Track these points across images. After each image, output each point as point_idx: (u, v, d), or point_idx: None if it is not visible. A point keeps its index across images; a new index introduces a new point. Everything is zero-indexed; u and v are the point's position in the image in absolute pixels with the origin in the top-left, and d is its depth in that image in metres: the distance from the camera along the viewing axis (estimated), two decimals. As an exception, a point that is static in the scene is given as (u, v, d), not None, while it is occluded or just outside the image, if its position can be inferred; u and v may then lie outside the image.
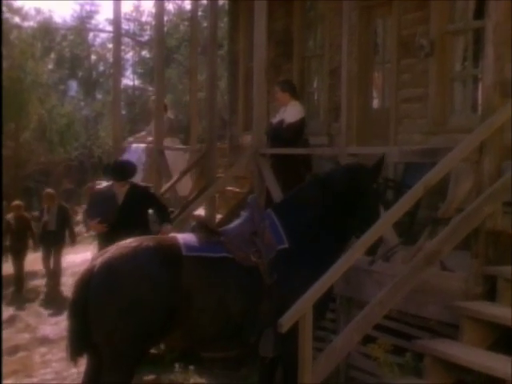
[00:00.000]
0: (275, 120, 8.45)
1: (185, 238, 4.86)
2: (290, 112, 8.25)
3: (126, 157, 11.58)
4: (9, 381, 7.83)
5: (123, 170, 7.29)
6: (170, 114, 11.87)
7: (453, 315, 4.95)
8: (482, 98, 7.45)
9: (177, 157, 11.06)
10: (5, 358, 8.57)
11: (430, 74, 8.23)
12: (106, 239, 6.92)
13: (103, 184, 8.03)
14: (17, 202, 13.86)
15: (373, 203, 5.12)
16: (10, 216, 13.46)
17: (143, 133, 12.21)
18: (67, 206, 13.57)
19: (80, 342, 4.67)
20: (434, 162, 5.14)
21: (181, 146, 10.99)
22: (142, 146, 11.81)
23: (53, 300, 11.84)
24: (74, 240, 13.16)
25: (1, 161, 15.49)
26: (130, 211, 7.09)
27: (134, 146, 12.27)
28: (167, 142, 11.17)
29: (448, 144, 5.94)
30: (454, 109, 8.18)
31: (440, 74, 8.15)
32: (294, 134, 8.15)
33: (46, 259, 12.68)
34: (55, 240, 12.53)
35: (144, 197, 7.37)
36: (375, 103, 9.86)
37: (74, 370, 6.93)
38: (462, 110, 8.15)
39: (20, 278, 13.19)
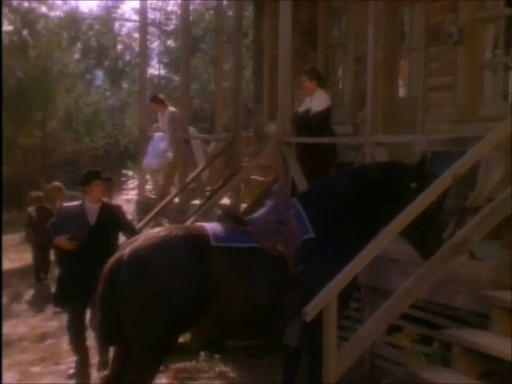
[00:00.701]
0: (301, 109, 8.43)
1: (212, 227, 4.86)
2: (317, 101, 8.24)
3: (152, 145, 11.63)
4: (37, 368, 7.93)
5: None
6: (171, 108, 11.76)
7: (482, 305, 4.91)
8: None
9: (196, 147, 11.01)
10: (33, 346, 8.68)
11: (459, 62, 8.14)
12: (72, 259, 6.77)
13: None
14: (37, 193, 12.90)
15: (409, 202, 4.83)
16: (31, 209, 12.60)
17: (155, 125, 12.14)
18: (116, 204, 13.16)
19: (110, 330, 4.70)
20: (463, 150, 5.08)
21: (206, 135, 11.01)
22: (162, 134, 11.85)
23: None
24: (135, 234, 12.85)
25: (1, 160, 15.00)
26: (102, 232, 6.77)
27: (159, 134, 12.29)
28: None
29: (477, 133, 5.87)
30: (483, 97, 8.08)
31: (469, 61, 8.06)
32: (320, 123, 8.13)
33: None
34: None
35: (117, 217, 7.00)
36: (401, 92, 9.78)
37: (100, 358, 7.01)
38: (492, 98, 8.05)
39: (45, 269, 12.31)
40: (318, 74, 8.68)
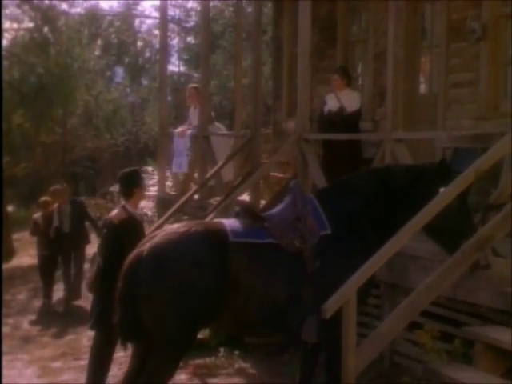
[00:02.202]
0: (329, 106, 8.36)
1: (231, 223, 4.86)
2: (348, 100, 8.23)
3: (174, 143, 11.62)
4: (57, 363, 7.98)
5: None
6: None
7: (506, 302, 4.86)
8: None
9: (220, 143, 10.96)
10: (53, 341, 8.74)
11: (482, 59, 8.07)
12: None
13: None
14: (45, 198, 11.31)
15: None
16: (37, 216, 11.27)
17: (184, 126, 11.88)
18: (82, 200, 11.74)
19: (131, 327, 4.71)
20: (485, 147, 5.03)
21: (225, 132, 10.95)
22: (189, 131, 11.83)
23: (71, 314, 10.18)
24: (85, 240, 11.01)
25: (1, 161, 14.61)
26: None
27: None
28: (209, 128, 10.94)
29: (500, 129, 5.80)
30: (506, 93, 8.01)
31: (492, 58, 7.99)
32: (355, 123, 8.13)
33: (66, 269, 10.82)
34: (74, 243, 10.70)
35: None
36: (422, 88, 9.71)
37: (121, 354, 6.99)
38: (516, 94, 7.98)
39: (50, 286, 11.03)
40: (348, 72, 8.78)
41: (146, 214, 13.92)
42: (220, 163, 10.02)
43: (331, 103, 8.49)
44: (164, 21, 12.75)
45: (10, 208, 21.04)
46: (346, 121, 8.13)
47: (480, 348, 4.72)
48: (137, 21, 36.07)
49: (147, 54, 35.67)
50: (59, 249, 10.74)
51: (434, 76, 9.26)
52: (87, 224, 11.07)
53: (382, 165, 6.19)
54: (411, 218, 4.72)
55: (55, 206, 10.76)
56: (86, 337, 8.74)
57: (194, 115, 11.31)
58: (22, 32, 22.08)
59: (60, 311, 10.56)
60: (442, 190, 4.82)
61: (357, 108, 8.32)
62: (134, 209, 6.16)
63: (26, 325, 10.06)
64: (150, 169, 17.11)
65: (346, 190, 5.08)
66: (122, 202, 6.23)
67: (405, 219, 4.78)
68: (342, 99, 8.33)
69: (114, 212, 6.14)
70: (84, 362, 7.81)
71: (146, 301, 4.59)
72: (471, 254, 4.77)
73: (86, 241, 10.97)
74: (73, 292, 10.64)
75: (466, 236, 4.84)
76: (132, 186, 6.09)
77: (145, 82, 34.92)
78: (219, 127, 11.59)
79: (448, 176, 4.93)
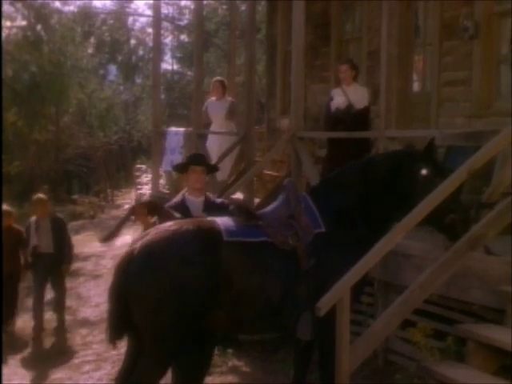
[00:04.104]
0: (336, 103, 8.08)
1: (224, 222, 4.86)
2: (359, 96, 7.97)
3: (167, 141, 11.60)
4: (51, 362, 7.96)
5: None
6: (228, 96, 10.79)
7: (498, 300, 4.88)
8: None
9: (224, 141, 10.72)
10: (46, 340, 8.71)
11: (475, 57, 8.09)
12: None
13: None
14: (5, 208, 9.03)
15: (420, 190, 4.84)
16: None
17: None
18: (62, 218, 9.43)
19: (120, 324, 4.71)
20: (478, 145, 5.04)
21: (219, 130, 10.93)
22: (181, 129, 11.80)
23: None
24: (69, 262, 9.00)
25: (1, 161, 14.30)
26: None
27: (174, 130, 12.29)
28: (225, 125, 10.57)
29: (493, 127, 5.82)
30: (499, 92, 8.03)
31: (485, 56, 8.01)
32: (365, 119, 7.86)
33: (38, 296, 8.67)
34: (53, 265, 8.69)
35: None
36: (415, 86, 9.72)
37: (114, 352, 7.01)
38: (508, 92, 7.98)
39: (12, 312, 8.87)
40: (356, 65, 8.33)
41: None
42: (213, 162, 10.01)
43: (339, 99, 8.12)
44: (157, 19, 12.75)
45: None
46: (354, 118, 7.85)
47: (472, 346, 4.73)
48: (130, 19, 36.04)
49: (140, 52, 35.66)
50: (34, 270, 8.77)
51: (428, 74, 9.28)
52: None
53: (368, 157, 6.15)
54: (405, 206, 4.75)
55: (32, 219, 8.84)
56: (79, 335, 8.74)
57: (215, 107, 10.70)
58: (15, 30, 22.05)
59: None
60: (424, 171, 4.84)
61: (365, 105, 7.98)
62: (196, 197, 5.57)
63: (19, 323, 10.03)
64: (143, 167, 17.11)
65: (338, 186, 5.08)
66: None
67: (399, 208, 4.84)
68: (349, 95, 7.97)
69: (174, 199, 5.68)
70: (77, 360, 7.82)
71: (136, 299, 4.58)
72: (464, 253, 4.78)
73: (68, 263, 9.00)
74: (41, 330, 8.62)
75: (456, 221, 4.85)
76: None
77: (138, 80, 34.91)
78: (230, 125, 11.18)
79: (434, 159, 4.95)
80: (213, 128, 10.73)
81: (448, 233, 4.96)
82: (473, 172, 4.74)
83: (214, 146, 10.38)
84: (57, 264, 8.74)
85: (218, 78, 11.49)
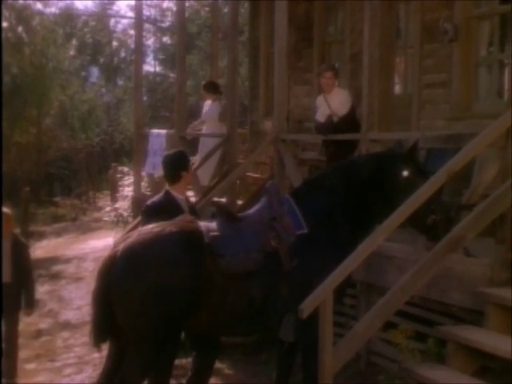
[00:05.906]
0: (320, 113, 8.01)
1: (206, 224, 4.88)
2: (338, 102, 7.90)
3: (149, 143, 11.57)
4: (32, 365, 7.92)
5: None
6: (221, 99, 10.85)
7: (477, 301, 4.92)
8: (509, 83, 7.37)
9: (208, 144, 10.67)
10: (28, 342, 8.66)
11: (454, 59, 8.15)
12: None
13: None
14: (5, 210, 7.04)
15: (401, 192, 4.86)
16: None
17: (196, 122, 11.45)
18: (25, 243, 7.57)
19: (103, 327, 4.70)
20: (458, 147, 5.08)
21: (201, 133, 10.91)
22: (164, 131, 11.76)
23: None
24: (31, 305, 7.12)
25: (1, 161, 14.11)
26: None
27: (156, 131, 12.27)
28: (218, 127, 10.53)
29: (472, 130, 5.88)
30: (478, 94, 8.10)
31: (464, 59, 8.07)
32: (350, 125, 7.75)
33: None
34: (7, 301, 6.72)
35: None
36: (397, 89, 9.78)
37: (96, 355, 6.99)
38: (487, 95, 8.07)
39: None
40: (338, 71, 8.27)
41: (121, 215, 13.87)
42: (195, 164, 10.00)
43: (322, 109, 8.05)
44: (139, 21, 12.71)
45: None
46: (338, 126, 7.74)
47: (452, 347, 4.77)
48: (112, 21, 35.96)
49: (122, 54, 35.57)
50: None
51: (409, 77, 9.33)
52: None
53: (351, 158, 6.17)
54: (387, 207, 4.79)
55: None
56: (60, 338, 8.71)
57: (208, 109, 10.81)
58: (-5, 31, 21.83)
59: None
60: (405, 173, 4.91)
61: (349, 108, 7.84)
62: (180, 194, 5.50)
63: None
64: (125, 169, 17.03)
65: (320, 187, 5.10)
66: (167, 187, 5.53)
67: (381, 209, 4.89)
68: (331, 103, 7.91)
69: (156, 197, 5.53)
70: (58, 363, 7.78)
71: (119, 301, 4.58)
72: (443, 254, 4.81)
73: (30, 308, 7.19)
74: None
75: (437, 222, 4.89)
76: (179, 169, 5.45)
77: (120, 82, 34.83)
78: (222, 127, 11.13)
79: (416, 160, 5.02)
80: (206, 129, 10.79)
81: (429, 233, 5.01)
82: (452, 175, 4.78)
83: (207, 148, 10.38)
84: (14, 299, 6.94)
85: (209, 80, 11.60)
